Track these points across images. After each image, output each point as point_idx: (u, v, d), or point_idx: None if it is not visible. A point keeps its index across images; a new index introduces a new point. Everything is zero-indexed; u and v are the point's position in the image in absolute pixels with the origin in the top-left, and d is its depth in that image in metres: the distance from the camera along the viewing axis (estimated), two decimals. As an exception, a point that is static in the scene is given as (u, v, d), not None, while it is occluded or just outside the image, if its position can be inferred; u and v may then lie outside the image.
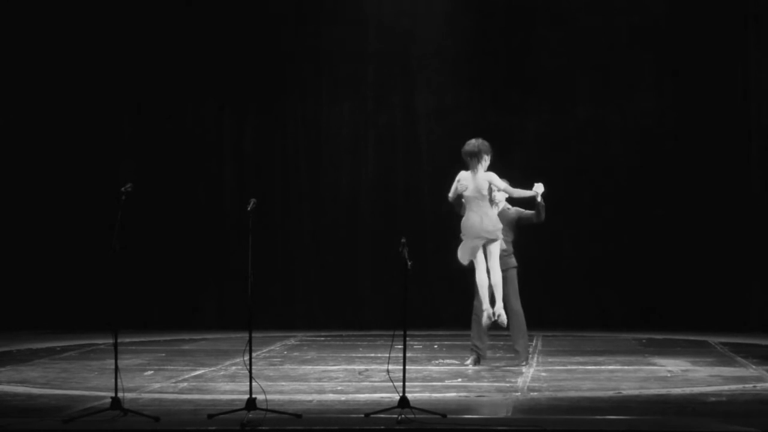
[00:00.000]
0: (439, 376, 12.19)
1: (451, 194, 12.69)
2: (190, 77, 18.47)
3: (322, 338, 16.67)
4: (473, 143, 12.59)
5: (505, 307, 12.68)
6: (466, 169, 12.57)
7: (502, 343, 15.63)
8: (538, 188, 12.62)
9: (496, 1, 18.53)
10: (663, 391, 11.12)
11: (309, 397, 10.69)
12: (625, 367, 12.99)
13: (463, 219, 12.59)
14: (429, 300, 18.08)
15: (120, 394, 9.66)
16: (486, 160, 12.58)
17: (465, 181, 12.54)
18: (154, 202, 17.86)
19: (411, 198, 18.56)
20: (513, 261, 13.02)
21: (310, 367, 13.18)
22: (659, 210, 18.04)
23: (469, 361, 13.03)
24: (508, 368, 12.80)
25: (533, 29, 18.40)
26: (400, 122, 18.67)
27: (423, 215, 18.45)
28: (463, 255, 12.57)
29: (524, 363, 12.92)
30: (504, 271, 12.71)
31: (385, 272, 17.52)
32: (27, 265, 18.17)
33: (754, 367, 12.98)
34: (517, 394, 10.94)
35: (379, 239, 18.07)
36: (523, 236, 18.14)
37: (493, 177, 12.55)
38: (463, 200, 12.59)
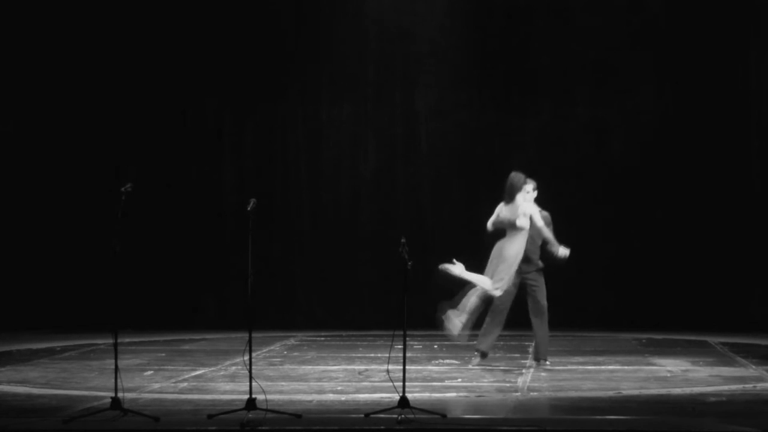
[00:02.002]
0: (439, 376, 12.19)
1: (489, 225, 12.86)
2: (191, 77, 18.47)
3: (322, 338, 16.67)
4: (510, 177, 12.77)
5: (533, 305, 12.89)
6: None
7: (502, 343, 15.64)
8: (564, 253, 12.69)
9: (496, 1, 18.53)
10: (663, 391, 11.12)
11: (309, 397, 10.69)
12: (625, 367, 13.00)
13: (512, 246, 12.70)
14: (429, 300, 18.04)
15: (120, 394, 9.66)
16: (524, 190, 12.72)
17: (503, 214, 12.72)
18: (154, 202, 17.85)
19: (411, 198, 18.56)
20: (540, 263, 13.07)
21: (310, 367, 13.19)
22: (659, 210, 18.04)
23: (476, 361, 13.03)
24: (508, 368, 12.81)
25: (533, 29, 18.40)
26: (400, 122, 18.67)
27: (423, 215, 18.46)
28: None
29: (544, 360, 12.97)
30: (528, 273, 12.86)
31: (385, 272, 17.52)
32: (27, 265, 18.16)
33: (754, 367, 12.98)
34: (517, 394, 10.94)
35: (379, 239, 18.07)
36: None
37: (535, 212, 12.72)
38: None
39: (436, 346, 15.28)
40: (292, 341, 16.16)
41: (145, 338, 16.37)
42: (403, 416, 9.30)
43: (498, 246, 12.75)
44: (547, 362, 13.03)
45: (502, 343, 15.63)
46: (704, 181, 17.94)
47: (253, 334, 10.07)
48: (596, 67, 18.27)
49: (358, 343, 15.88)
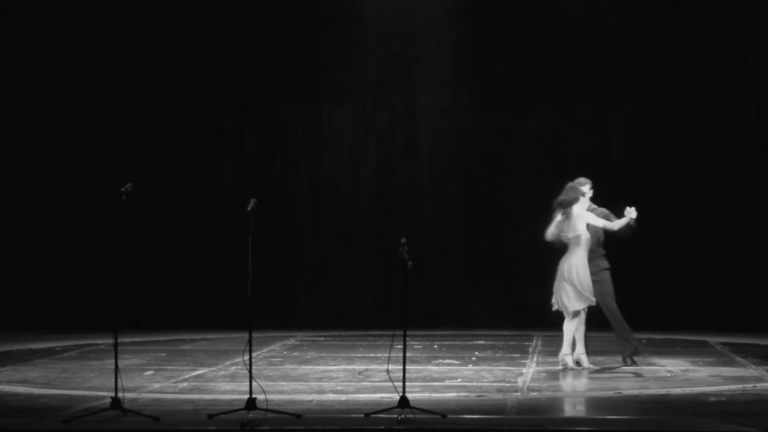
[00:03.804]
0: (439, 376, 12.19)
1: (548, 236, 12.74)
2: (190, 77, 18.46)
3: (322, 338, 16.67)
4: (566, 191, 12.68)
5: (603, 308, 12.82)
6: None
7: (502, 343, 15.66)
8: (632, 213, 12.55)
9: (496, 1, 18.52)
10: (663, 391, 11.13)
11: (309, 397, 10.69)
12: (625, 367, 12.99)
13: (570, 262, 12.62)
14: (429, 300, 18.08)
15: (120, 394, 9.67)
16: (581, 202, 12.66)
17: (559, 227, 12.63)
18: (154, 202, 17.84)
19: (411, 198, 18.56)
20: (605, 262, 13.02)
21: (310, 367, 13.19)
22: (659, 210, 18.02)
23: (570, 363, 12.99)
24: (508, 368, 12.82)
25: (533, 29, 18.39)
26: (400, 122, 18.66)
27: (423, 215, 18.46)
28: (576, 303, 12.62)
29: (630, 361, 12.94)
30: (595, 273, 12.77)
31: (385, 272, 17.52)
32: (27, 265, 18.16)
33: (754, 367, 12.98)
34: (517, 394, 10.94)
35: (379, 239, 18.07)
36: (523, 237, 18.19)
37: (590, 217, 12.68)
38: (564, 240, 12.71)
39: (436, 346, 15.28)
40: (292, 341, 16.16)
41: (145, 338, 16.36)
42: (403, 416, 9.30)
43: (562, 265, 12.64)
44: (634, 362, 12.95)
45: (501, 343, 15.65)
46: (704, 181, 17.93)
47: (253, 334, 10.07)
48: (596, 67, 18.26)
49: (358, 343, 15.88)
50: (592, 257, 12.75)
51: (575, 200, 12.66)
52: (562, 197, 12.66)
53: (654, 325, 17.34)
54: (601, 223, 12.69)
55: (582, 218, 12.64)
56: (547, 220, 12.88)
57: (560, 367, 12.67)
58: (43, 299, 18.01)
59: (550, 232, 12.72)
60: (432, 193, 18.54)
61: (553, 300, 12.76)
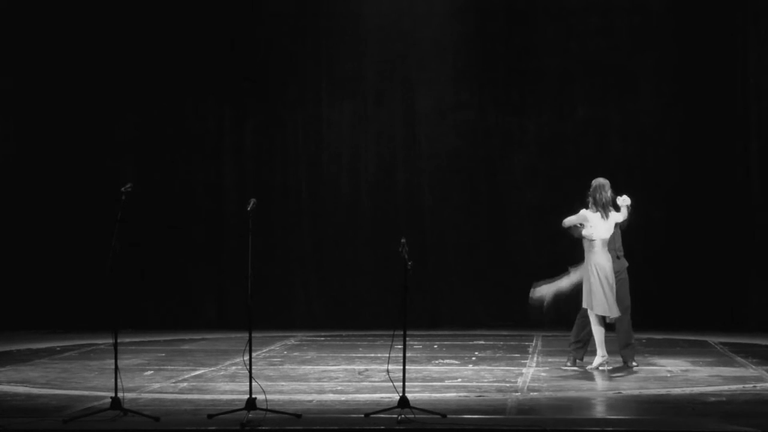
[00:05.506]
0: (439, 376, 12.19)
1: (567, 222, 12.73)
2: (190, 77, 18.46)
3: (322, 338, 16.67)
4: (604, 193, 12.72)
5: (620, 307, 12.78)
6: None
7: (502, 343, 15.66)
8: (626, 201, 12.77)
9: (496, 1, 18.52)
10: (663, 391, 11.13)
11: (309, 397, 10.69)
12: (626, 367, 12.98)
13: (595, 259, 12.59)
14: (429, 300, 18.08)
15: (120, 394, 9.67)
16: (610, 203, 12.72)
17: (594, 225, 12.61)
18: (154, 202, 17.84)
19: (411, 198, 18.56)
20: (625, 261, 13.12)
21: (310, 367, 13.19)
22: (659, 210, 18.03)
23: (568, 363, 12.97)
24: (508, 368, 12.83)
25: (533, 29, 18.39)
26: (400, 122, 18.66)
27: (423, 215, 18.45)
28: (599, 306, 12.58)
29: (634, 362, 12.93)
30: (620, 272, 12.89)
31: (385, 272, 17.51)
32: (27, 265, 18.15)
33: (754, 367, 12.98)
34: (517, 394, 10.95)
35: (379, 239, 18.06)
36: (523, 237, 18.21)
37: (619, 217, 12.79)
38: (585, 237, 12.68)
39: (436, 346, 15.28)
40: (292, 341, 16.16)
41: (145, 338, 16.37)
42: (403, 416, 9.31)
43: (603, 267, 12.60)
44: (634, 363, 12.96)
45: (501, 343, 15.66)
46: (704, 182, 17.93)
47: (253, 334, 10.07)
48: (596, 67, 18.26)
49: (358, 343, 15.88)
50: (616, 257, 12.81)
51: (611, 202, 12.71)
52: (601, 196, 12.65)
53: (654, 325, 17.36)
54: (621, 218, 12.78)
55: (615, 220, 12.75)
56: (555, 214, 12.93)
57: (605, 368, 12.60)
58: (43, 299, 18.01)
59: (571, 221, 12.68)
60: (432, 193, 18.53)
61: (607, 309, 12.60)
